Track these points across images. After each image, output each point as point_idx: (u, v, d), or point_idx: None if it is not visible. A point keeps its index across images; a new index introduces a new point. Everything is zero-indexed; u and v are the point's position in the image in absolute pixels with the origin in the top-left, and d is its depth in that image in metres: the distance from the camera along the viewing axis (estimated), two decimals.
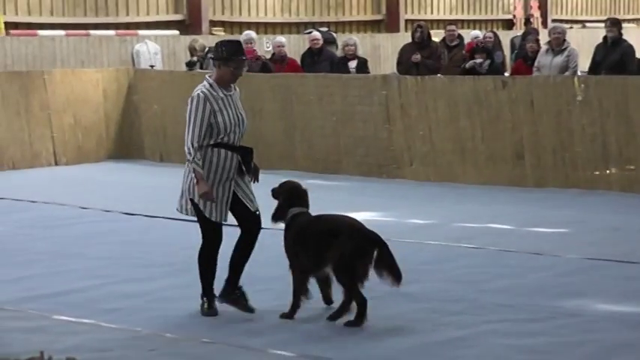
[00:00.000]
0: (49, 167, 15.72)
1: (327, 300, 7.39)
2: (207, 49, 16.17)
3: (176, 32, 20.78)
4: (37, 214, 11.81)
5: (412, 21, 21.25)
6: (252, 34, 16.42)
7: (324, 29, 22.25)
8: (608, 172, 12.57)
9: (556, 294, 7.88)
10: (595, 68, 13.81)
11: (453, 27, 16.77)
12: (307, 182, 12.92)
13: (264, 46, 20.01)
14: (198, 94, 7.22)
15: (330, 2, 24.39)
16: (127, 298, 7.91)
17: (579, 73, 14.01)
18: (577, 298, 7.77)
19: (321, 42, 16.16)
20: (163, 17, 21.15)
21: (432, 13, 26.67)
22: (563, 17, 29.56)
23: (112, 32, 19.76)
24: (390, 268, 7.00)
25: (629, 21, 29.92)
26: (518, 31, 25.17)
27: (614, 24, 13.95)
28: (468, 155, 13.46)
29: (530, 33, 17.88)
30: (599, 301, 7.69)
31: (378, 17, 25.57)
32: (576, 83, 12.77)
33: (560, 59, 13.82)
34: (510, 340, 6.72)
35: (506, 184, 13.00)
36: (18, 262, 9.25)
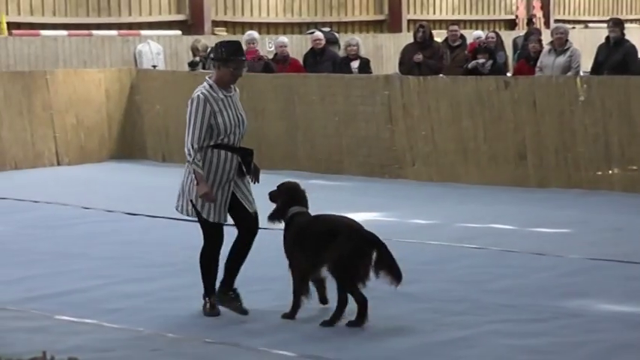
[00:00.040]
0: (52, 167, 15.73)
1: (323, 300, 7.37)
2: (209, 49, 16.17)
3: (178, 32, 20.79)
4: (39, 214, 11.82)
5: (415, 21, 21.25)
6: (254, 34, 16.42)
7: (327, 29, 22.24)
8: (610, 172, 12.56)
9: (558, 294, 7.87)
10: (597, 68, 13.80)
11: (455, 27, 16.79)
12: (309, 182, 12.99)
13: (267, 46, 20.01)
14: (198, 95, 7.22)
15: (333, 2, 24.39)
16: (129, 298, 7.92)
17: (582, 74, 14.01)
18: (579, 298, 7.77)
19: (323, 42, 16.17)
20: (166, 17, 21.15)
21: (434, 13, 26.65)
22: (566, 17, 29.54)
23: (114, 32, 19.76)
24: (390, 269, 6.99)
25: (631, 21, 29.89)
26: (521, 31, 25.16)
27: (617, 24, 13.94)
28: (470, 155, 13.46)
29: (533, 33, 17.90)
30: (602, 301, 7.68)
31: (381, 17, 25.57)
32: (579, 83, 12.76)
33: (562, 59, 13.82)
34: (513, 340, 6.72)
35: (509, 185, 13.00)
36: (20, 262, 9.25)
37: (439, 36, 18.03)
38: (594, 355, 6.43)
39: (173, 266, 8.89)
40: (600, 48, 14.02)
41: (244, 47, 15.67)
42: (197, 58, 16.75)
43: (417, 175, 13.77)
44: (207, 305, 7.41)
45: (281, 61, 15.76)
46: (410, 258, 9.01)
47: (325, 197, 12.11)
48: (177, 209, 7.45)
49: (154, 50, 19.21)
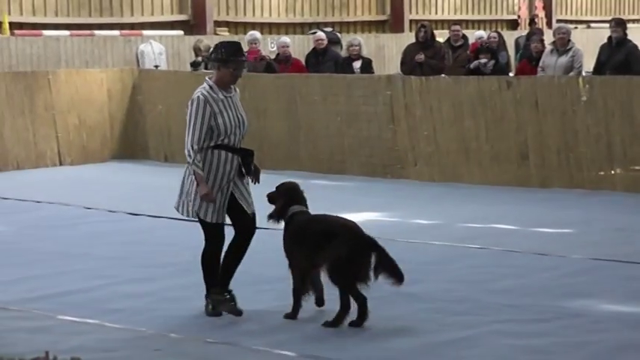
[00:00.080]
0: (54, 167, 15.74)
1: (320, 302, 7.34)
2: (211, 49, 16.17)
3: (180, 32, 20.79)
4: (41, 214, 11.82)
5: (417, 21, 21.22)
6: (256, 34, 16.42)
7: (329, 29, 22.23)
8: (612, 172, 12.56)
9: (561, 294, 7.87)
10: (600, 68, 13.80)
11: (457, 27, 16.77)
12: (311, 182, 13.00)
13: (269, 46, 20.02)
14: (199, 96, 7.22)
15: (335, 2, 24.38)
16: (132, 298, 7.92)
17: (584, 74, 14.00)
18: (582, 298, 7.76)
19: (325, 42, 16.16)
20: (168, 17, 21.15)
21: (436, 13, 26.64)
22: (568, 17, 29.52)
23: (116, 32, 19.76)
24: (391, 271, 6.97)
25: (633, 21, 29.87)
26: (523, 31, 25.13)
27: (619, 24, 13.93)
28: (472, 155, 13.45)
29: (535, 33, 17.87)
30: (604, 301, 7.68)
31: (383, 17, 25.56)
32: (581, 83, 12.76)
33: (564, 59, 13.82)
34: (515, 340, 6.71)
35: (511, 185, 12.99)
36: (22, 262, 9.26)
37: (441, 36, 18.01)
38: (597, 356, 6.43)
39: (175, 266, 8.89)
40: (602, 48, 14.01)
41: (246, 47, 15.84)
42: (199, 58, 16.75)
43: (419, 175, 13.76)
44: (209, 305, 7.40)
45: (283, 61, 15.76)
46: (412, 258, 9.02)
47: (327, 197, 12.12)
48: (176, 209, 7.44)
49: (156, 50, 19.22)
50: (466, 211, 11.51)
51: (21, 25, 18.97)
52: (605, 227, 10.46)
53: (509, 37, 22.16)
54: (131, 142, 16.57)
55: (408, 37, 19.58)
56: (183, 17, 21.35)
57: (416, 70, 14.87)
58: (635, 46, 13.86)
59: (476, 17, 27.57)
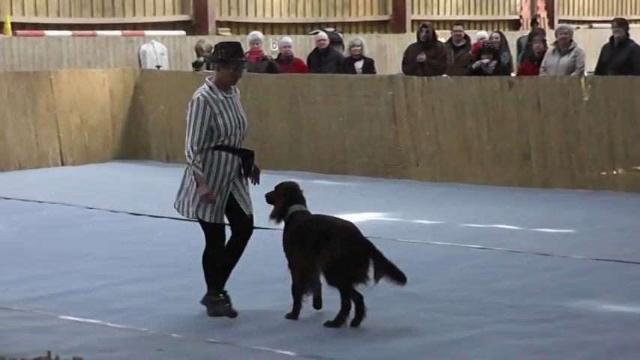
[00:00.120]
0: (56, 167, 15.74)
1: (317, 302, 7.31)
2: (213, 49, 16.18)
3: (182, 33, 20.79)
4: (43, 214, 11.83)
5: (418, 21, 21.22)
6: (258, 34, 16.42)
7: (331, 30, 22.24)
8: (614, 172, 12.55)
9: (563, 294, 7.87)
10: (602, 69, 13.79)
11: (459, 27, 16.77)
12: (313, 182, 13.01)
13: (271, 46, 20.02)
14: (199, 97, 7.21)
15: (337, 3, 24.38)
16: (134, 298, 7.92)
17: (586, 74, 14.00)
18: (584, 298, 7.76)
19: (327, 42, 16.16)
20: (170, 18, 21.15)
21: (438, 13, 26.64)
22: (570, 18, 29.52)
23: (118, 32, 19.77)
24: (391, 273, 6.96)
25: (636, 21, 29.84)
26: (525, 31, 25.13)
27: (621, 24, 13.92)
28: (474, 156, 13.45)
29: (537, 33, 17.85)
30: (606, 301, 7.67)
31: (385, 18, 25.55)
32: (583, 84, 12.76)
33: (566, 60, 13.81)
34: (517, 340, 6.71)
35: (513, 185, 12.99)
36: (24, 262, 9.26)
37: (443, 36, 18.02)
38: (598, 356, 6.42)
39: (177, 266, 8.89)
40: (604, 48, 14.00)
41: (248, 47, 15.85)
42: (201, 59, 16.76)
43: (420, 176, 13.76)
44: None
45: (285, 62, 15.76)
46: (413, 258, 9.03)
47: (329, 197, 12.13)
48: (176, 208, 7.42)
49: (158, 50, 19.22)
50: (468, 212, 11.50)
51: (23, 25, 18.97)
52: (607, 227, 10.45)
53: (512, 38, 22.17)
54: (133, 143, 16.57)
55: (410, 38, 19.58)
56: (185, 17, 21.35)
57: (417, 70, 14.87)
58: (638, 46, 13.85)
59: (478, 17, 27.56)
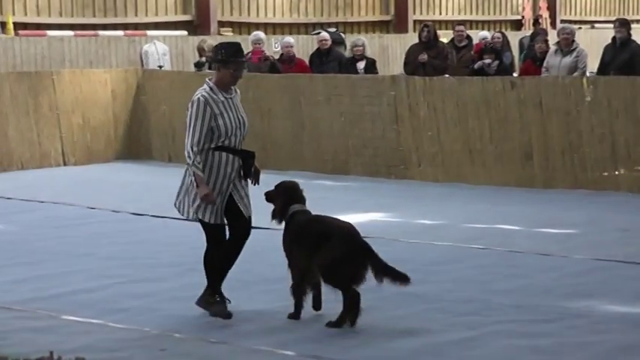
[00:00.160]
0: (58, 167, 15.75)
1: (316, 304, 7.27)
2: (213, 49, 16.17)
3: (184, 33, 20.80)
4: (45, 214, 11.83)
5: (421, 21, 21.23)
6: (260, 34, 16.42)
7: (333, 30, 22.25)
8: (617, 172, 12.55)
9: (565, 295, 7.87)
10: (604, 69, 13.79)
11: (461, 27, 16.76)
12: (315, 183, 13.01)
13: (273, 46, 20.02)
14: (199, 97, 7.21)
15: (339, 3, 24.39)
16: (136, 299, 7.92)
17: (588, 74, 14.00)
18: (586, 298, 7.76)
19: (329, 42, 16.17)
20: (172, 18, 21.17)
21: (440, 13, 26.65)
22: (572, 18, 29.51)
23: (120, 33, 19.79)
24: (391, 275, 6.95)
25: (638, 21, 29.84)
26: (527, 31, 25.12)
27: (623, 24, 13.93)
28: (476, 156, 13.45)
29: (539, 33, 17.86)
30: (608, 301, 7.67)
31: (387, 18, 25.56)
32: (585, 84, 12.75)
33: (569, 60, 13.81)
34: (519, 340, 6.71)
35: (515, 185, 12.99)
36: (26, 262, 9.26)
37: (445, 36, 18.02)
38: (600, 356, 6.42)
39: (179, 266, 8.89)
40: (607, 48, 14.00)
41: (250, 47, 15.85)
42: (203, 59, 16.76)
43: (422, 176, 13.76)
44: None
45: (287, 62, 15.76)
46: (416, 258, 9.04)
47: (331, 197, 12.13)
48: (177, 208, 7.42)
49: (160, 50, 19.23)
50: (470, 212, 11.50)
51: (25, 26, 19.00)
52: (609, 228, 10.45)
53: (514, 38, 22.17)
54: (135, 143, 16.58)
55: (412, 38, 19.59)
56: (187, 17, 21.37)
57: (419, 70, 14.87)
58: (639, 47, 13.85)
59: (480, 18, 27.56)
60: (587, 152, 12.67)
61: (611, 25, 14.66)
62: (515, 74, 16.37)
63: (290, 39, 16.61)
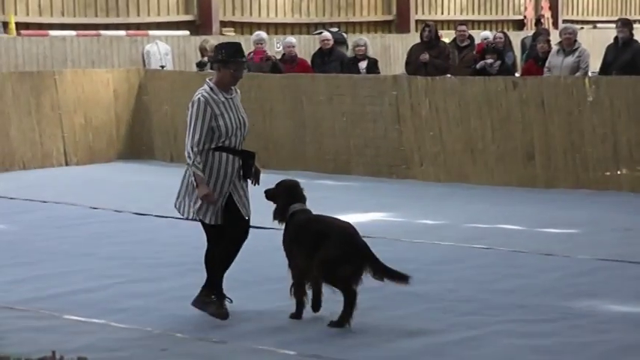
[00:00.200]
0: (60, 167, 15.76)
1: (315, 306, 7.24)
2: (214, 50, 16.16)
3: (186, 33, 20.81)
4: (47, 214, 11.84)
5: (422, 21, 21.24)
6: (262, 34, 16.42)
7: (335, 29, 22.25)
8: (619, 172, 12.55)
9: (567, 294, 7.86)
10: (606, 69, 13.78)
11: (463, 27, 16.76)
12: (317, 182, 13.00)
13: (275, 46, 20.02)
14: (199, 98, 7.20)
15: (341, 3, 24.39)
16: (138, 298, 7.93)
17: (590, 74, 13.99)
18: (588, 298, 7.76)
19: (331, 42, 16.17)
20: (174, 18, 21.18)
21: (442, 13, 26.65)
22: (574, 18, 29.50)
23: (122, 32, 19.79)
24: (389, 276, 6.95)
25: None
26: (529, 31, 25.13)
27: (626, 24, 13.91)
28: (478, 156, 13.45)
29: (541, 33, 17.88)
30: (611, 301, 7.67)
31: (389, 18, 25.56)
32: (587, 84, 12.75)
33: (571, 60, 13.80)
34: (521, 340, 6.71)
35: (517, 185, 12.99)
36: (28, 262, 9.27)
37: (447, 36, 18.01)
38: (603, 356, 6.42)
39: (181, 266, 8.89)
40: (609, 48, 14.00)
41: (252, 47, 15.86)
42: (205, 59, 16.74)
43: (424, 176, 13.76)
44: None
45: (289, 62, 15.76)
46: (418, 258, 9.04)
47: (333, 197, 12.13)
48: (177, 208, 7.41)
49: (162, 50, 19.24)
50: (472, 212, 11.50)
51: (27, 25, 19.01)
52: (612, 227, 10.45)
53: (516, 38, 22.17)
54: (137, 142, 16.59)
55: (414, 38, 19.59)
56: (189, 17, 21.38)
57: (420, 69, 14.87)
58: None
59: (482, 17, 27.56)
60: (589, 152, 12.67)
61: (614, 25, 14.65)
62: (517, 74, 16.37)
63: (292, 39, 16.61)
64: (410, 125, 13.88)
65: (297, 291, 7.19)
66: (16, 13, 18.81)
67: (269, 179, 7.56)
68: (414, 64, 15.18)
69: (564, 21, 27.09)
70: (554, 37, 16.53)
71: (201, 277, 7.53)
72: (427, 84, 13.80)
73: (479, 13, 27.66)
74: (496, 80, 13.61)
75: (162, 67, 18.25)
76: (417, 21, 25.21)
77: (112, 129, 16.45)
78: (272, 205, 7.40)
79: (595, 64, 15.00)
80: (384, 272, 6.93)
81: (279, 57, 16.46)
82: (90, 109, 16.16)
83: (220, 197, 7.21)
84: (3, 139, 15.31)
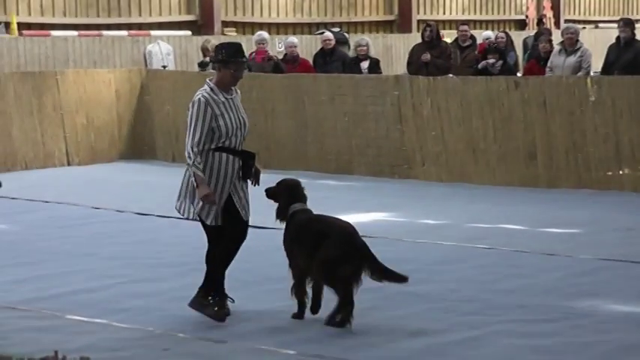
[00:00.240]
0: (62, 167, 15.77)
1: (314, 308, 7.21)
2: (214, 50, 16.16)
3: (188, 33, 20.81)
4: (49, 214, 11.84)
5: (424, 21, 21.22)
6: (264, 34, 16.43)
7: (337, 29, 22.24)
8: (620, 172, 12.54)
9: (569, 294, 7.86)
10: (608, 68, 13.78)
11: (465, 27, 16.74)
12: (319, 182, 13.01)
13: (277, 46, 20.02)
14: (199, 98, 7.19)
15: (343, 3, 24.38)
16: (140, 298, 7.93)
17: (592, 74, 13.98)
18: (590, 298, 7.75)
19: (333, 42, 16.17)
20: (176, 18, 21.17)
21: (444, 13, 26.63)
22: (576, 17, 29.49)
23: (124, 33, 19.79)
24: (388, 277, 6.94)
25: None
26: (531, 31, 25.11)
27: (627, 24, 13.91)
28: (480, 155, 13.45)
29: (543, 33, 17.85)
30: (612, 301, 7.67)
31: (391, 17, 25.55)
32: (589, 83, 12.75)
33: (573, 59, 13.80)
34: (523, 340, 6.71)
35: (519, 185, 12.99)
36: (31, 262, 9.27)
37: (449, 36, 18.00)
38: (604, 356, 6.42)
39: (183, 266, 8.89)
40: (611, 48, 13.99)
41: (254, 47, 15.86)
42: (207, 59, 16.74)
43: (426, 175, 13.76)
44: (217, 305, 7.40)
45: (291, 62, 15.77)
46: (419, 258, 9.04)
47: (334, 197, 12.14)
48: (177, 210, 7.41)
49: (164, 50, 19.24)
50: (474, 211, 11.50)
51: (29, 26, 19.00)
52: (614, 227, 10.44)
53: (517, 37, 22.14)
54: (139, 142, 16.59)
55: (416, 38, 19.57)
56: (191, 17, 21.37)
57: (422, 69, 14.86)
58: None
59: (484, 17, 27.54)
60: (591, 152, 12.66)
61: (615, 25, 14.64)
62: (519, 74, 16.35)
63: (294, 39, 16.62)
64: (412, 125, 13.88)
65: (298, 291, 7.19)
66: (18, 14, 18.81)
67: (270, 179, 7.55)
68: (415, 64, 15.18)
69: (566, 21, 27.08)
70: (556, 37, 16.51)
71: (203, 276, 7.53)
72: (429, 84, 13.80)
73: (481, 13, 27.64)
74: (498, 80, 13.60)
75: (164, 67, 18.25)
76: (418, 21, 25.19)
77: (114, 129, 16.45)
78: (272, 206, 7.40)
79: (597, 64, 15.00)
80: (382, 273, 6.92)
81: (280, 57, 16.47)
82: (92, 109, 16.17)
83: (221, 198, 7.20)
84: (5, 139, 15.32)
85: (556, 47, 14.33)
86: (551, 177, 12.94)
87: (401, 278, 6.93)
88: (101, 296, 8.02)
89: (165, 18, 20.95)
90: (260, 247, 8.23)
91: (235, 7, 22.28)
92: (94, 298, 7.95)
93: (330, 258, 6.89)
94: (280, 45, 19.59)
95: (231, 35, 21.25)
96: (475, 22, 26.21)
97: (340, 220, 7.31)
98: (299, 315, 7.21)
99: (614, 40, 14.05)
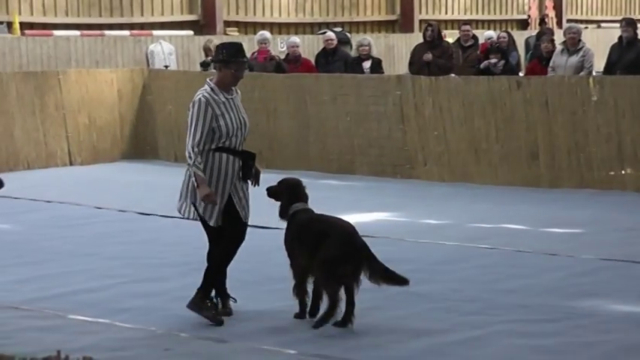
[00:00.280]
0: (64, 167, 15.78)
1: (313, 311, 7.20)
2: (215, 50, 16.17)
3: (190, 32, 20.82)
4: (52, 214, 11.85)
5: (426, 21, 21.22)
6: (266, 34, 16.44)
7: (339, 29, 22.25)
8: (623, 172, 12.54)
9: (571, 294, 7.86)
10: (610, 68, 13.78)
11: (467, 27, 16.75)
12: (321, 182, 13.01)
13: (279, 46, 20.03)
14: (200, 98, 7.19)
15: (345, 2, 24.39)
16: (142, 298, 7.94)
17: (594, 74, 13.99)
18: (592, 298, 7.76)
19: (335, 42, 16.17)
20: (178, 17, 21.18)
21: (446, 13, 26.64)
22: (578, 17, 29.49)
23: (126, 32, 19.81)
24: (388, 278, 6.93)
25: None
26: (533, 31, 25.11)
27: (630, 24, 13.91)
28: (482, 155, 13.45)
29: (545, 33, 17.84)
30: (614, 301, 7.67)
31: (393, 17, 25.56)
32: (591, 83, 12.74)
33: (575, 59, 13.79)
34: (525, 340, 6.71)
35: (521, 185, 12.98)
36: (33, 262, 9.28)
37: (451, 36, 18.00)
38: (606, 356, 6.42)
39: (185, 266, 8.90)
40: (613, 48, 13.99)
41: (256, 47, 15.87)
42: (209, 58, 16.73)
43: (428, 175, 13.76)
44: (219, 305, 7.39)
45: (293, 61, 15.77)
46: (422, 258, 9.04)
47: (336, 197, 12.14)
48: (179, 211, 7.42)
49: (166, 50, 19.25)
50: (476, 211, 11.50)
51: (31, 25, 19.01)
52: (616, 227, 10.44)
53: (520, 37, 22.15)
54: (141, 142, 16.60)
55: (418, 37, 19.54)
56: (193, 17, 21.39)
57: (424, 69, 14.86)
58: None
59: (486, 17, 27.55)
60: (593, 152, 12.66)
61: (618, 25, 14.63)
62: (521, 74, 16.36)
63: (296, 39, 16.62)
64: (414, 125, 13.88)
65: (299, 291, 7.19)
66: (20, 13, 18.83)
67: (272, 179, 7.55)
68: (417, 64, 15.18)
69: (568, 20, 27.09)
70: (559, 37, 16.52)
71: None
72: (431, 84, 13.80)
73: (483, 13, 27.64)
74: (500, 80, 13.61)
75: (166, 66, 18.26)
76: (420, 21, 25.19)
77: (116, 129, 16.47)
78: (273, 206, 7.40)
79: (599, 64, 15.00)
80: (382, 273, 6.90)
81: (282, 57, 16.47)
82: (94, 109, 16.18)
83: (222, 198, 7.20)
84: (7, 139, 15.34)
85: (558, 47, 14.33)
86: (553, 177, 12.94)
87: (401, 281, 6.92)
88: (103, 296, 8.02)
89: (167, 18, 20.96)
90: (261, 247, 8.23)
91: (237, 7, 22.30)
92: (96, 298, 7.96)
93: (330, 258, 6.89)
94: (282, 45, 19.60)
95: (234, 35, 21.26)
96: (477, 21, 26.23)
97: (341, 220, 7.30)
98: (301, 315, 7.21)
99: (616, 40, 14.05)
